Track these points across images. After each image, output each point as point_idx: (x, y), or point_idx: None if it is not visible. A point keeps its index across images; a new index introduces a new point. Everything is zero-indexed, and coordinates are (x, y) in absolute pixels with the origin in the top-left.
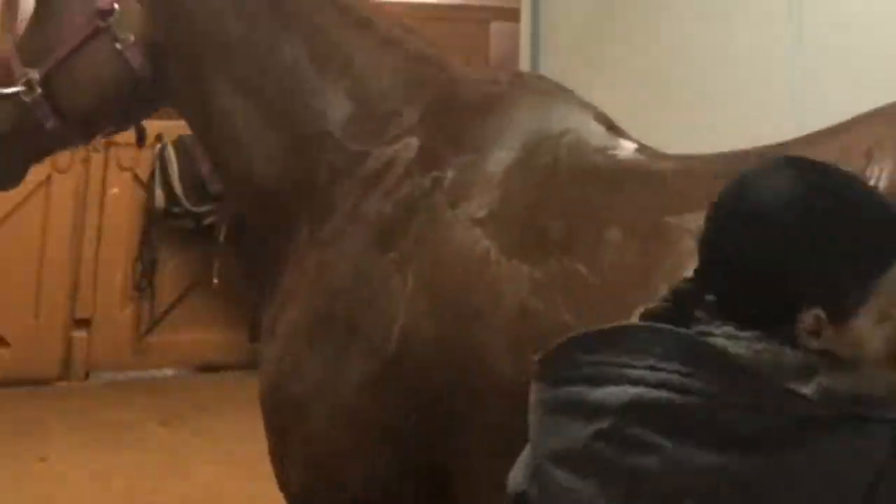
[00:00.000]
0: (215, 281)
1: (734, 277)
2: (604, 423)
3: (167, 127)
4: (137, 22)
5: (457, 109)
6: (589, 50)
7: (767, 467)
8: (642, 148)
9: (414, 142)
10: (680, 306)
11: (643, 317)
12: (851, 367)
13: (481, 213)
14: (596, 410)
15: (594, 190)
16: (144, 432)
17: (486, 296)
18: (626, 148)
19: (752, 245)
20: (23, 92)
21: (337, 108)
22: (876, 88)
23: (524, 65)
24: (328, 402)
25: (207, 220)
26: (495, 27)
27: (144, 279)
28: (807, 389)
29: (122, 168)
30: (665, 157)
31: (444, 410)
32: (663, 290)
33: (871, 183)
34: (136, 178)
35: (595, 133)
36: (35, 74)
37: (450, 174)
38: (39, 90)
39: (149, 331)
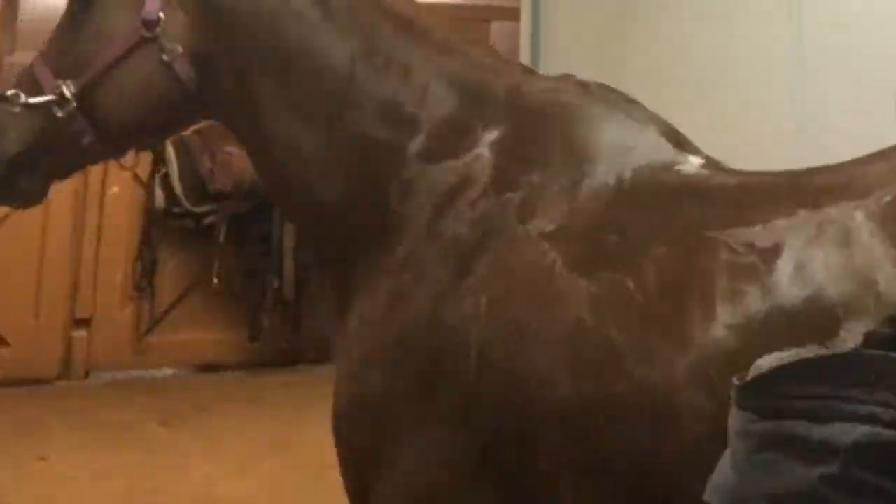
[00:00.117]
0: (215, 281)
1: None
2: (832, 467)
3: None
4: (184, 32)
5: (525, 121)
6: (589, 50)
7: None
8: (708, 163)
9: (486, 155)
10: None
11: (868, 344)
12: None
13: (549, 228)
14: (821, 451)
15: (653, 206)
16: (144, 432)
17: (549, 312)
18: (692, 163)
19: None
20: (55, 104)
21: (401, 122)
22: (876, 88)
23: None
24: (418, 434)
25: (208, 220)
26: (496, 27)
27: (144, 279)
28: None
29: (122, 168)
30: (728, 171)
31: (522, 436)
32: (699, 304)
33: None
34: (136, 177)
35: (661, 148)
36: (70, 86)
37: (521, 191)
38: (74, 103)
39: (149, 331)
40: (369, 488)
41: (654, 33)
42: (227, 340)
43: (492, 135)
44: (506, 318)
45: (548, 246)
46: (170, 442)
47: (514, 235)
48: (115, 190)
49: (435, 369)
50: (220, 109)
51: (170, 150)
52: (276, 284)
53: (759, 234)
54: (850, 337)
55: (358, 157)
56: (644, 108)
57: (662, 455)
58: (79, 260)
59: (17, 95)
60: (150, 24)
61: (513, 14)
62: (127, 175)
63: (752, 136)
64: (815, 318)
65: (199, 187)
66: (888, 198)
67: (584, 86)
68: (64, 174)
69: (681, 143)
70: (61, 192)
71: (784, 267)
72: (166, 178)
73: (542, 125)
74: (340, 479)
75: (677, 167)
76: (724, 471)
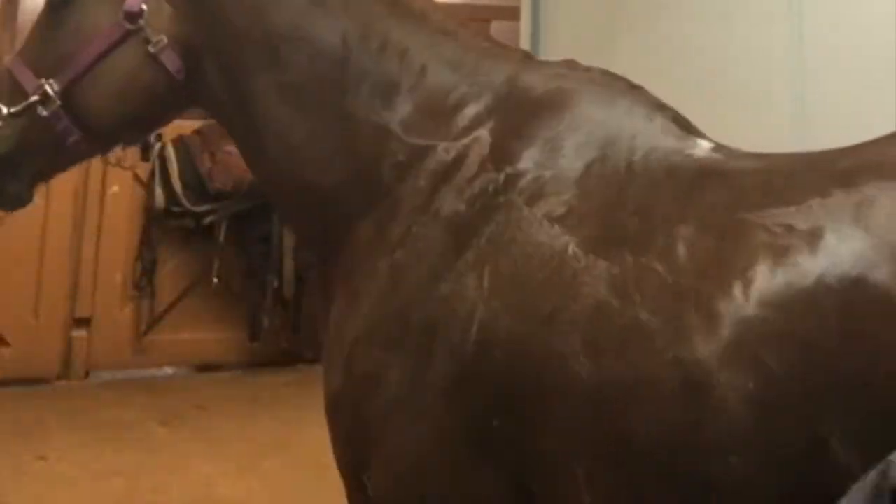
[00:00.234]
0: (215, 280)
1: None
2: None
3: (167, 126)
4: (169, 22)
5: (526, 103)
6: (589, 49)
7: None
8: (718, 147)
9: (484, 135)
10: None
11: None
12: None
13: (559, 211)
14: None
15: (670, 189)
16: (144, 432)
17: (564, 292)
18: (702, 147)
19: None
20: (38, 104)
21: (396, 103)
22: (876, 88)
23: None
24: (411, 409)
25: (207, 220)
26: (496, 26)
27: (144, 278)
28: None
29: (122, 167)
30: (742, 155)
31: (524, 413)
32: (738, 283)
33: None
34: (135, 177)
35: (669, 132)
36: (53, 85)
37: (525, 171)
38: (58, 102)
39: (149, 330)
40: (363, 468)
41: (653, 33)
42: (226, 340)
43: (491, 117)
44: (512, 297)
45: (559, 228)
46: (169, 441)
47: (520, 216)
48: (115, 189)
49: (432, 343)
50: (208, 100)
51: (170, 150)
52: (275, 284)
53: (796, 215)
54: None
55: (353, 140)
56: (649, 94)
57: (700, 436)
58: (79, 259)
59: None
60: (133, 15)
61: (513, 13)
62: (127, 174)
63: (752, 135)
64: (866, 298)
65: (198, 187)
66: None
67: (588, 71)
68: (49, 175)
69: (689, 127)
70: (61, 192)
71: (829, 248)
72: (166, 178)
73: (545, 108)
74: (340, 478)
75: (688, 151)
76: None
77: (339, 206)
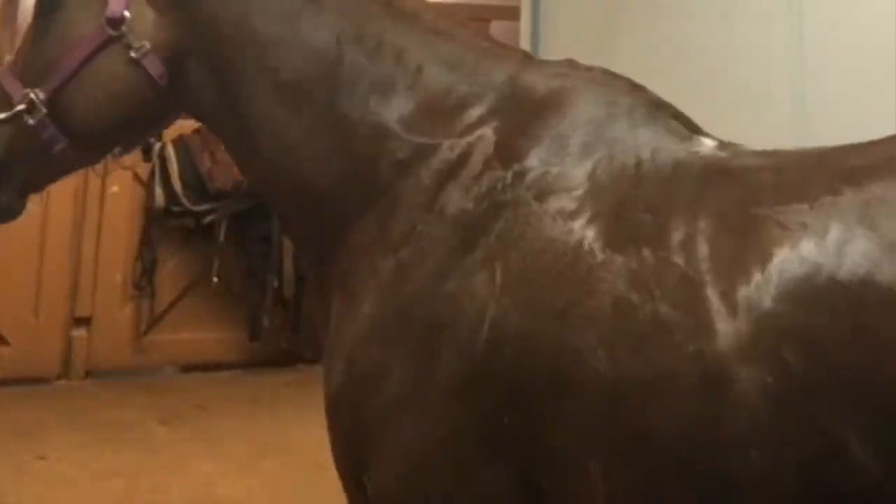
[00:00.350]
0: (215, 280)
1: None
2: None
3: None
4: (152, 28)
5: (529, 103)
6: (589, 49)
7: None
8: (723, 145)
9: (488, 134)
10: None
11: None
12: None
13: (571, 207)
14: None
15: (681, 185)
16: (144, 431)
17: (579, 287)
18: (706, 145)
19: None
20: (25, 113)
21: (394, 102)
22: (876, 88)
23: None
24: (414, 408)
25: (207, 219)
26: (495, 26)
27: (144, 278)
28: None
29: (122, 167)
30: (746, 152)
31: (535, 410)
32: (756, 278)
33: None
34: (135, 176)
35: (673, 130)
36: (38, 94)
37: (532, 168)
38: (44, 110)
39: (149, 330)
40: (363, 468)
41: (653, 33)
42: (226, 340)
43: (495, 116)
44: (525, 292)
45: (572, 224)
46: (169, 441)
47: (529, 212)
48: (115, 189)
49: (437, 342)
50: (196, 104)
51: (169, 149)
52: (275, 284)
53: (808, 213)
54: None
55: (350, 139)
56: (651, 93)
57: (719, 431)
58: (79, 259)
59: None
60: (115, 21)
61: (513, 13)
62: (127, 174)
63: (752, 135)
64: (876, 295)
65: (198, 186)
66: None
67: (589, 71)
68: (39, 186)
69: (691, 126)
70: (61, 192)
71: (841, 244)
72: (166, 177)
73: (548, 107)
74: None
75: (693, 149)
76: None
77: (336, 206)
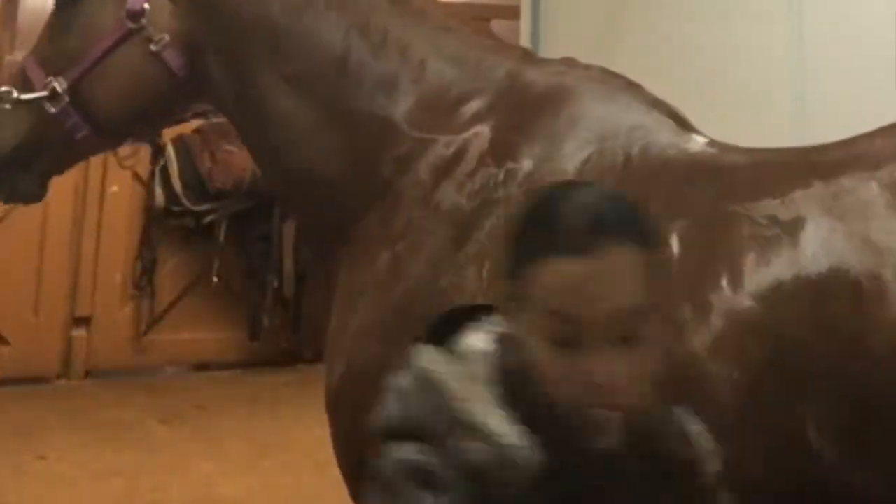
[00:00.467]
0: (215, 279)
1: None
2: None
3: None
4: (171, 21)
5: (526, 100)
6: (589, 48)
7: None
8: (713, 142)
9: (485, 131)
10: None
11: None
12: None
13: None
14: None
15: (666, 183)
16: (144, 431)
17: None
18: (697, 142)
19: None
20: (47, 100)
21: (397, 96)
22: (876, 88)
23: None
24: None
25: (207, 219)
26: (496, 25)
27: (144, 278)
28: None
29: (122, 166)
30: (735, 150)
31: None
32: (725, 275)
33: None
34: (135, 176)
35: (666, 127)
36: (61, 82)
37: (524, 165)
38: (67, 99)
39: (148, 329)
40: (364, 465)
41: (653, 32)
42: (226, 339)
43: (492, 112)
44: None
45: None
46: (169, 441)
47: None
48: (115, 189)
49: None
50: (212, 95)
51: (170, 149)
52: (275, 284)
53: (780, 207)
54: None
55: (355, 132)
56: (646, 91)
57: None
58: (78, 259)
59: (8, 92)
60: (135, 14)
61: (513, 13)
62: (127, 174)
63: (752, 135)
64: (840, 286)
65: (198, 186)
66: None
67: (587, 69)
68: (60, 170)
69: (684, 123)
70: (61, 191)
71: (808, 238)
72: (166, 177)
73: (545, 104)
74: (340, 477)
75: (684, 145)
76: None
77: (340, 199)
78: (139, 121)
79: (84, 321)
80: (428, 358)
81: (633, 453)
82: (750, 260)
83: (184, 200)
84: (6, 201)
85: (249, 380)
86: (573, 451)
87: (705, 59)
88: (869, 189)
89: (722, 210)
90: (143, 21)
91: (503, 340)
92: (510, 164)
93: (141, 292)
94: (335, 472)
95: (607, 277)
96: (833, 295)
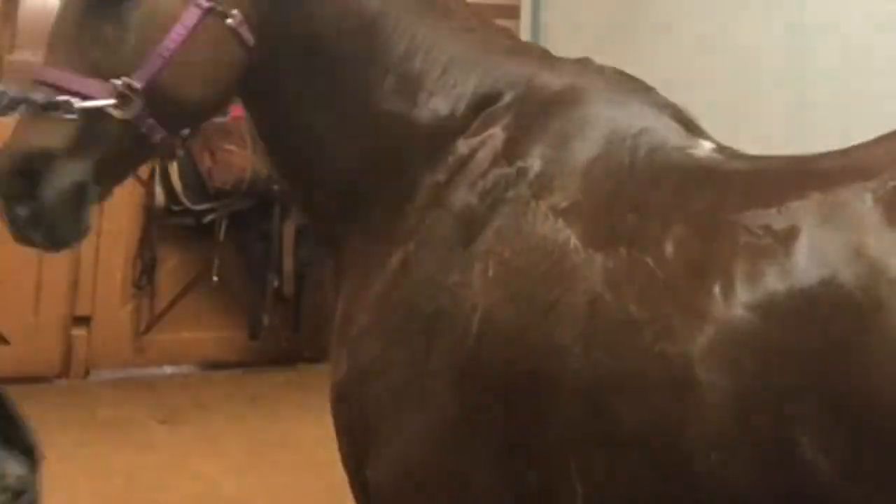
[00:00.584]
0: (215, 279)
1: None
2: None
3: None
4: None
5: (540, 101)
6: (589, 48)
7: None
8: (720, 148)
9: (499, 132)
10: None
11: None
12: None
13: (564, 204)
14: None
15: (667, 187)
16: (144, 430)
17: (564, 284)
18: (704, 147)
19: None
20: (115, 107)
21: (419, 96)
22: (876, 89)
23: None
24: (415, 398)
25: (207, 218)
26: None
27: (144, 277)
28: None
29: None
30: (740, 156)
31: (525, 405)
32: (719, 284)
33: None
34: (135, 175)
35: (674, 131)
36: (133, 83)
37: (534, 165)
38: (141, 102)
39: (149, 328)
40: (365, 457)
41: (653, 32)
42: (226, 339)
43: (507, 114)
44: (514, 287)
45: (562, 222)
46: (169, 440)
47: (526, 209)
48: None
49: (436, 333)
50: (255, 81)
51: None
52: (276, 283)
53: (775, 217)
54: (874, 325)
55: (377, 130)
56: (659, 94)
57: (685, 435)
58: (78, 258)
59: (67, 102)
60: None
61: (513, 12)
62: None
63: (752, 136)
64: (835, 298)
65: (199, 185)
66: (893, 182)
67: (601, 71)
68: (110, 188)
69: (693, 128)
70: None
71: (801, 249)
72: (166, 176)
73: (557, 105)
74: (340, 477)
75: (690, 150)
76: None
77: (358, 194)
78: (219, 108)
79: (84, 320)
80: None
81: None
82: (743, 270)
83: (184, 200)
84: (73, 241)
85: (249, 379)
86: None
87: (705, 58)
88: (864, 200)
89: (718, 218)
90: None
91: None
92: (521, 164)
93: (141, 291)
94: (335, 472)
95: None
96: (826, 307)
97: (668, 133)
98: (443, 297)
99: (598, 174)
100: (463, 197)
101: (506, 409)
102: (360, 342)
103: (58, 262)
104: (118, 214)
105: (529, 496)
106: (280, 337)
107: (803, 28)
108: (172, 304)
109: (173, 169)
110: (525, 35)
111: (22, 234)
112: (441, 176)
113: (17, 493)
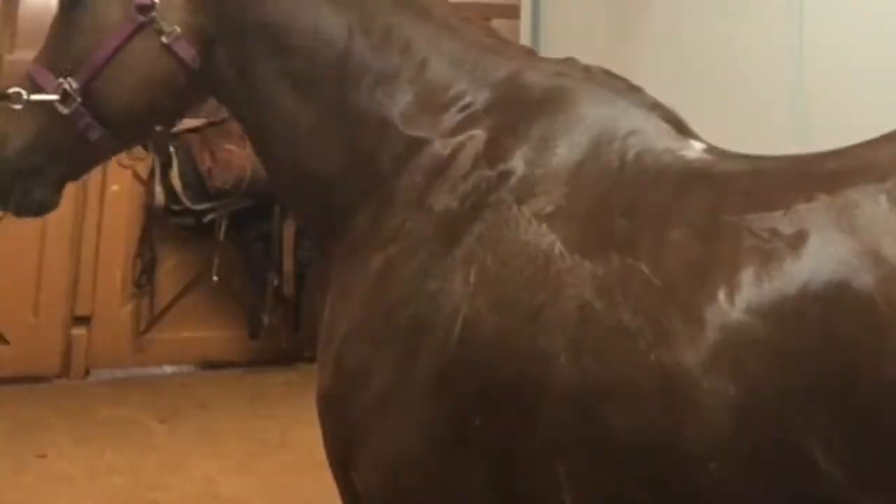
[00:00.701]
0: (215, 278)
1: None
2: None
3: None
4: (182, 13)
5: (524, 101)
6: (589, 47)
7: None
8: (711, 148)
9: (480, 133)
10: None
11: None
12: None
13: (548, 209)
14: None
15: (660, 190)
16: (144, 429)
17: (548, 291)
18: (694, 148)
19: None
20: (59, 102)
21: (396, 95)
22: (876, 89)
23: None
24: (399, 404)
25: (207, 218)
26: (496, 24)
27: (144, 276)
28: None
29: (121, 165)
30: (733, 157)
31: (506, 411)
32: (722, 288)
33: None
34: (135, 175)
35: (664, 133)
36: (72, 83)
37: (517, 169)
38: (78, 99)
39: (148, 328)
40: (352, 464)
41: (653, 32)
42: (226, 338)
43: (489, 114)
44: (497, 294)
45: (546, 227)
46: (169, 440)
47: (509, 215)
48: (115, 188)
49: (418, 340)
50: (221, 90)
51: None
52: (275, 282)
53: (782, 220)
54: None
55: (354, 130)
56: (647, 95)
57: (682, 442)
58: (78, 258)
59: (18, 94)
60: (145, 7)
61: (513, 12)
62: (127, 173)
63: (752, 135)
64: (851, 302)
65: (198, 185)
66: None
67: (587, 70)
68: (75, 176)
69: (683, 129)
70: None
71: (812, 252)
72: (166, 176)
73: (542, 107)
74: None
75: (681, 152)
76: None
77: (339, 197)
78: (153, 118)
79: (84, 320)
80: None
81: None
82: (749, 273)
83: (184, 199)
84: (17, 213)
85: (249, 378)
86: None
87: (705, 58)
88: (878, 202)
89: (718, 221)
90: (153, 14)
91: None
92: (502, 167)
93: (141, 291)
94: None
95: None
96: (843, 311)
97: (658, 134)
98: (425, 303)
99: (585, 178)
100: (443, 200)
101: (490, 415)
102: (344, 348)
103: (58, 262)
104: (118, 214)
105: (517, 503)
106: (280, 337)
107: (805, 34)
108: (172, 303)
109: (174, 168)
110: (525, 35)
111: None
112: (419, 177)
113: None
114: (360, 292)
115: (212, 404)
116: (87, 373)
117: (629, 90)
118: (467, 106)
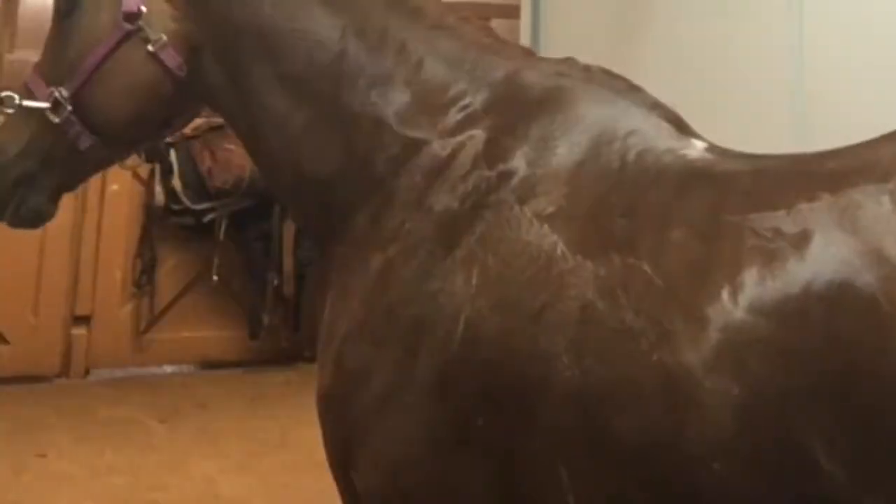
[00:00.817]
0: (215, 278)
1: None
2: None
3: None
4: (168, 21)
5: (523, 101)
6: (589, 47)
7: None
8: (712, 147)
9: (479, 133)
10: None
11: None
12: None
13: (549, 210)
14: None
15: (661, 190)
16: (144, 429)
17: (550, 292)
18: (696, 147)
19: None
20: (50, 111)
21: (392, 96)
22: (876, 89)
23: None
24: (399, 404)
25: (207, 218)
26: (496, 24)
27: (144, 276)
28: None
29: (121, 166)
30: (735, 156)
31: (508, 412)
32: (725, 287)
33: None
34: (135, 175)
35: (664, 132)
36: (63, 92)
37: (517, 169)
38: (69, 108)
39: (148, 328)
40: (352, 464)
41: (653, 32)
42: (226, 338)
43: (488, 114)
44: (499, 295)
45: (547, 227)
46: (169, 439)
47: (510, 215)
48: (115, 187)
49: (419, 340)
50: (212, 96)
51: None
52: (275, 282)
53: (785, 219)
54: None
55: (350, 132)
56: (647, 94)
57: (684, 443)
58: (78, 257)
59: (10, 97)
60: (132, 16)
61: (513, 11)
62: (127, 173)
63: (752, 135)
64: (854, 302)
65: (198, 185)
66: None
67: (587, 70)
68: (70, 185)
69: (684, 128)
70: None
71: (816, 252)
72: (166, 176)
73: (542, 107)
74: None
75: (682, 151)
76: None
77: (336, 199)
78: (143, 126)
79: (84, 320)
80: None
81: None
82: (752, 273)
83: (184, 199)
84: (12, 223)
85: (249, 378)
86: None
87: (705, 58)
88: (880, 203)
89: (719, 220)
90: (140, 23)
91: None
92: (503, 168)
93: (141, 291)
94: None
95: None
96: (845, 311)
97: (659, 134)
98: (424, 306)
99: (586, 178)
100: (443, 200)
101: (492, 415)
102: (344, 348)
103: (58, 262)
104: (118, 214)
105: (519, 503)
106: (280, 337)
107: (805, 35)
108: (172, 303)
109: (173, 168)
110: (525, 35)
111: None
112: (419, 177)
113: None
114: (360, 292)
115: (212, 404)
116: (87, 372)
117: (629, 90)
118: (466, 106)
